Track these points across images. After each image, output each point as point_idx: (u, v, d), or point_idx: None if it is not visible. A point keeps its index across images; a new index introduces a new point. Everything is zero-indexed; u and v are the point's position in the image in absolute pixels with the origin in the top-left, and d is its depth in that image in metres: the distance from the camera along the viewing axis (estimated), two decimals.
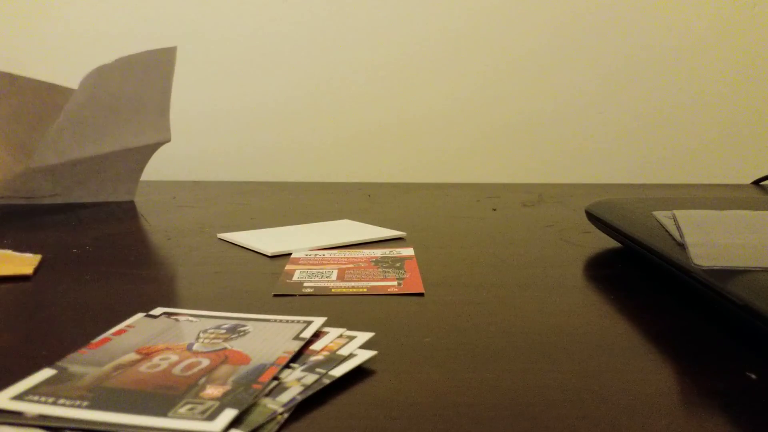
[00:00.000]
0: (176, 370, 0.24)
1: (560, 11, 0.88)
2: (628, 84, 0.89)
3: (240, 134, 0.93)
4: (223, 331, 0.29)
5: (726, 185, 0.85)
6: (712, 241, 0.33)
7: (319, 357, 0.26)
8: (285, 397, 0.22)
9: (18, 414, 0.21)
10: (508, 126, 0.91)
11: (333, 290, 0.36)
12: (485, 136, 0.91)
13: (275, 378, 0.24)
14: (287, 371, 0.25)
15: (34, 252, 0.46)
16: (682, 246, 0.34)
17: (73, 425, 0.20)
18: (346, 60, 0.91)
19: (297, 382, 0.24)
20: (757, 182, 0.85)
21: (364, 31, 0.90)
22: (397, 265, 0.42)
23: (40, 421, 0.21)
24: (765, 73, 0.88)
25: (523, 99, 0.90)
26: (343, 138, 0.92)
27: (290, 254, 0.45)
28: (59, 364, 0.25)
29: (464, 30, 0.89)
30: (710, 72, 0.88)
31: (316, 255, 0.45)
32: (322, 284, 0.37)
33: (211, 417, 0.21)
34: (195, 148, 0.93)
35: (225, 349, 0.27)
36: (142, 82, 0.65)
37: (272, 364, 0.25)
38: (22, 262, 0.42)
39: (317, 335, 0.28)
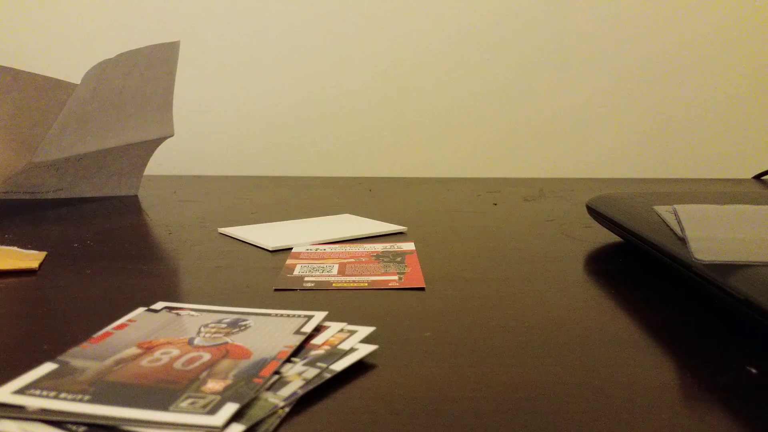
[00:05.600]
0: (177, 365, 0.24)
1: (563, 12, 0.88)
2: (629, 80, 0.89)
3: (241, 129, 0.93)
4: (224, 325, 0.29)
5: (727, 180, 0.84)
6: (712, 235, 0.33)
7: (320, 351, 0.26)
8: (286, 392, 0.23)
9: (20, 408, 0.21)
10: (509, 121, 0.91)
11: (334, 285, 0.36)
12: (486, 131, 0.91)
13: (276, 372, 0.24)
14: (288, 365, 0.25)
15: (36, 246, 0.46)
16: (682, 240, 0.34)
17: (74, 419, 0.20)
18: (347, 56, 0.91)
19: (298, 377, 0.24)
20: (758, 177, 0.85)
21: (366, 28, 0.90)
22: (398, 259, 0.42)
23: (42, 415, 0.21)
24: (765, 68, 0.88)
25: (524, 95, 0.90)
26: (344, 133, 0.92)
27: (291, 249, 0.45)
28: (61, 358, 0.25)
29: (465, 27, 0.89)
30: (711, 67, 0.88)
31: (317, 249, 0.45)
32: (323, 279, 0.38)
33: (213, 411, 0.21)
34: (196, 143, 0.93)
35: (226, 343, 0.27)
36: (144, 78, 0.65)
37: (273, 359, 0.25)
38: (28, 257, 0.42)
39: (318, 329, 0.28)
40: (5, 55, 0.92)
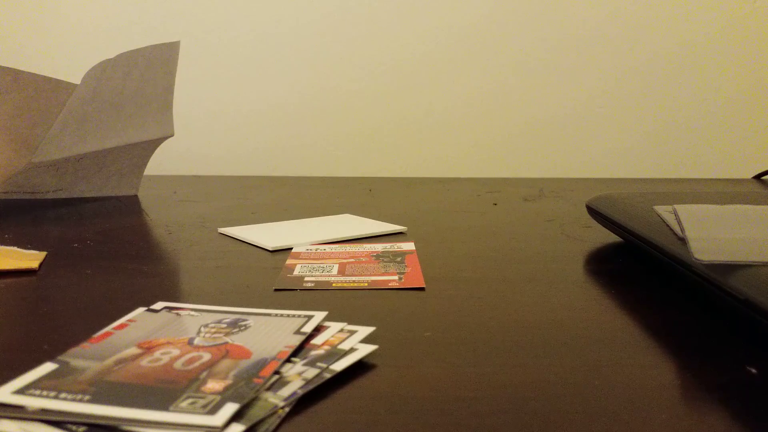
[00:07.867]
0: (177, 365, 0.24)
1: (562, 12, 0.88)
2: (629, 80, 0.89)
3: (241, 129, 0.93)
4: (224, 325, 0.29)
5: (727, 180, 0.84)
6: (713, 235, 0.33)
7: (320, 351, 0.26)
8: (286, 392, 0.23)
9: (20, 408, 0.21)
10: (509, 121, 0.91)
11: (334, 285, 0.36)
12: (486, 131, 0.91)
13: (276, 372, 0.24)
14: (288, 365, 0.25)
15: (36, 246, 0.46)
16: (683, 240, 0.34)
17: (74, 419, 0.20)
18: (347, 56, 0.91)
19: (298, 377, 0.24)
20: (758, 177, 0.85)
21: (366, 28, 0.90)
22: (398, 259, 0.42)
23: (42, 415, 0.21)
24: (765, 68, 0.88)
25: (525, 95, 0.90)
26: (344, 133, 0.92)
27: (291, 249, 0.45)
28: (61, 358, 0.25)
29: (465, 27, 0.89)
30: (711, 67, 0.88)
31: (317, 249, 0.45)
32: (323, 279, 0.38)
33: (213, 411, 0.21)
34: (196, 143, 0.93)
35: (226, 343, 0.27)
36: (145, 78, 0.65)
37: (273, 359, 0.25)
38: (28, 257, 0.42)
39: (318, 329, 0.28)
40: (5, 55, 0.92)
